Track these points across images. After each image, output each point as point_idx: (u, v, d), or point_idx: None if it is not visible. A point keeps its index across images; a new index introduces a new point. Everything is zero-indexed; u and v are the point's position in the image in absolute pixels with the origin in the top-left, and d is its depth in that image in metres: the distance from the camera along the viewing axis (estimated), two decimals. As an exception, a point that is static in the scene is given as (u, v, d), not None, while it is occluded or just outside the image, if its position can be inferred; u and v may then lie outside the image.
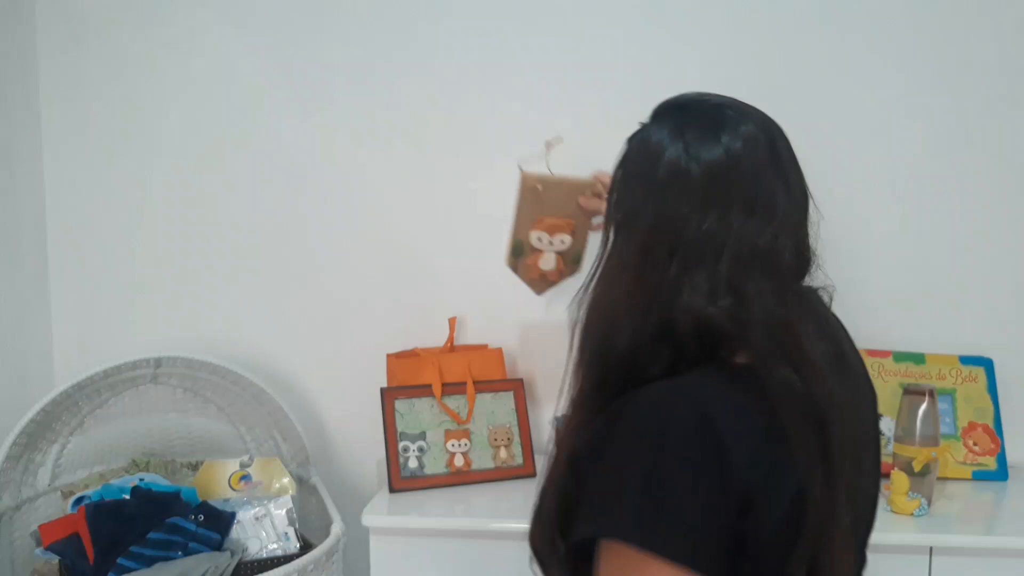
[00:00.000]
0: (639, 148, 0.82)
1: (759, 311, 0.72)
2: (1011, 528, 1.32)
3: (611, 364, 0.77)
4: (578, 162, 1.68)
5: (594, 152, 1.67)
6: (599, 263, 0.82)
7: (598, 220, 1.36)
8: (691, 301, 0.73)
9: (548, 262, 1.42)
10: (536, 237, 1.41)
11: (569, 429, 0.79)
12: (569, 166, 1.41)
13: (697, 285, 0.73)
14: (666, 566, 0.65)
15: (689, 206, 0.74)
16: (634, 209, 0.79)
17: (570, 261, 1.45)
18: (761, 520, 0.67)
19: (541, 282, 1.48)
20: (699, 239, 0.74)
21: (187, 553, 1.36)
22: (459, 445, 1.56)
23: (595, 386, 0.78)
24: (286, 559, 1.38)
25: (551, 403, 1.71)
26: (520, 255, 1.43)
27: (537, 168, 1.35)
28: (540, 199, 1.36)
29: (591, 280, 0.82)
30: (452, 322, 1.70)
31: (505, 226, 1.70)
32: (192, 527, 1.39)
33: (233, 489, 1.56)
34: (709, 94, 0.83)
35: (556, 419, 1.58)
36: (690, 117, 0.79)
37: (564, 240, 1.40)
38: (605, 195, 1.14)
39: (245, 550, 1.43)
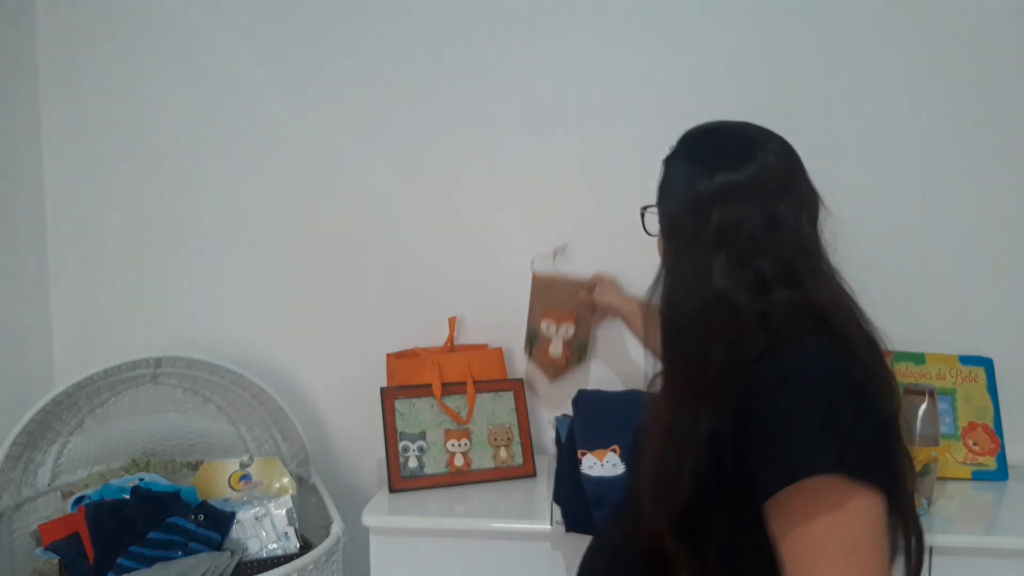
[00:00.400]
0: (688, 171, 0.94)
1: (825, 293, 0.88)
2: (1011, 528, 1.32)
3: (712, 363, 0.86)
4: (579, 159, 1.69)
5: (594, 140, 1.68)
6: (670, 280, 0.94)
7: (596, 313, 1.63)
8: (778, 295, 0.86)
9: (556, 348, 1.64)
10: (545, 326, 1.63)
11: (670, 421, 0.88)
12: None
13: (771, 280, 0.87)
14: (867, 491, 0.76)
15: (747, 215, 0.88)
16: (700, 226, 0.90)
17: (575, 349, 1.65)
18: (896, 448, 0.83)
19: (552, 367, 1.66)
20: (764, 240, 0.87)
21: (187, 553, 1.36)
22: (459, 445, 1.56)
23: (696, 380, 0.87)
24: (286, 559, 1.38)
25: (551, 403, 1.71)
26: (534, 342, 1.65)
27: (546, 268, 1.63)
28: (548, 294, 1.62)
29: (667, 294, 0.93)
30: (452, 322, 1.70)
31: (505, 227, 1.71)
32: (192, 527, 1.39)
33: (233, 489, 1.56)
34: (727, 120, 0.98)
35: (556, 419, 1.58)
36: (723, 139, 0.94)
37: (569, 330, 1.63)
38: (592, 292, 1.56)
39: (245, 550, 1.43)
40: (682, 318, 0.90)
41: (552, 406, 1.70)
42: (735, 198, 0.88)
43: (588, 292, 1.60)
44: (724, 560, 0.85)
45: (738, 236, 0.88)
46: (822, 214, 0.94)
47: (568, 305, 1.61)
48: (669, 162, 0.98)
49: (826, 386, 0.80)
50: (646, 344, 1.34)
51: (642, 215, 1.07)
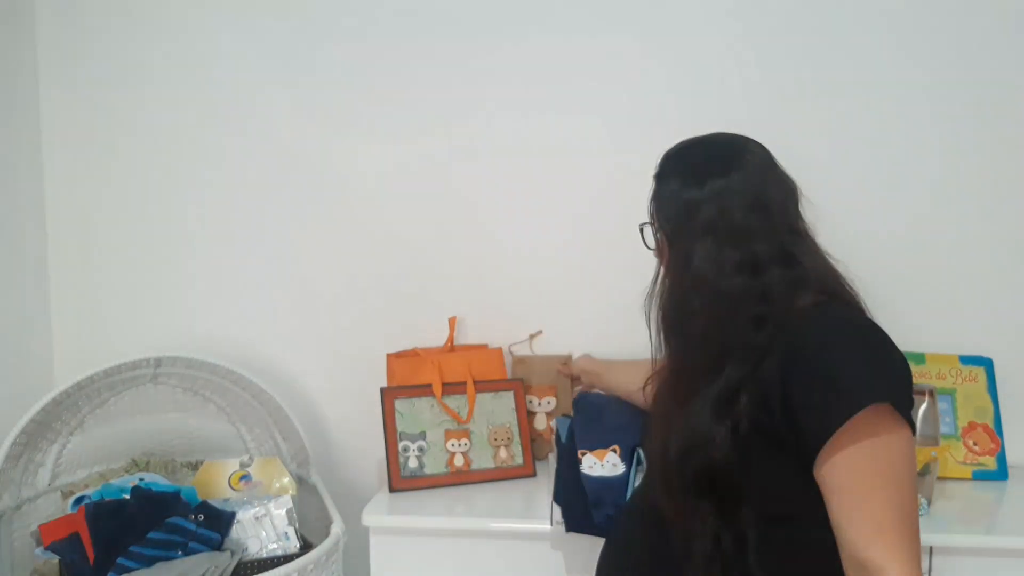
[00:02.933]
0: (680, 183, 1.02)
1: (821, 268, 0.99)
2: (1011, 528, 1.32)
3: (721, 338, 0.95)
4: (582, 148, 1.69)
5: (595, 140, 1.68)
6: (676, 274, 1.02)
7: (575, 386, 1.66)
8: (774, 273, 0.95)
9: (541, 422, 1.66)
10: (528, 400, 1.66)
11: (689, 389, 0.97)
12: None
13: (766, 261, 0.96)
14: (906, 426, 0.88)
15: (738, 206, 0.97)
16: (695, 222, 0.99)
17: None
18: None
19: (540, 443, 1.66)
20: (757, 227, 0.97)
21: (187, 553, 1.36)
22: (459, 445, 1.56)
23: (718, 355, 0.95)
24: (286, 559, 1.38)
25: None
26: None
27: (523, 351, 1.71)
28: (528, 373, 1.67)
29: (673, 287, 1.02)
30: (452, 322, 1.70)
31: (506, 227, 1.71)
32: (192, 527, 1.39)
33: (233, 489, 1.56)
34: (701, 135, 1.07)
35: (557, 419, 1.58)
36: (706, 149, 1.04)
37: (551, 401, 1.66)
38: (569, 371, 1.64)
39: (245, 550, 1.42)
40: (691, 303, 0.98)
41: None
42: (727, 196, 0.98)
43: (564, 364, 1.66)
44: (763, 507, 0.92)
45: (731, 225, 0.97)
46: (802, 200, 1.04)
47: (547, 379, 1.67)
48: (659, 178, 1.06)
49: (865, 338, 0.91)
50: (629, 396, 1.44)
51: (641, 231, 1.12)
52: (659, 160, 1.07)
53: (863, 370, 0.88)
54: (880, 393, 0.86)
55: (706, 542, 0.92)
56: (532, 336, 1.69)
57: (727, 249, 0.96)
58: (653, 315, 1.05)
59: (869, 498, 0.85)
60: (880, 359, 0.90)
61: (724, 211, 0.97)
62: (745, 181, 0.98)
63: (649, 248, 1.11)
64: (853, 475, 0.86)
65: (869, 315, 0.99)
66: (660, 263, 1.08)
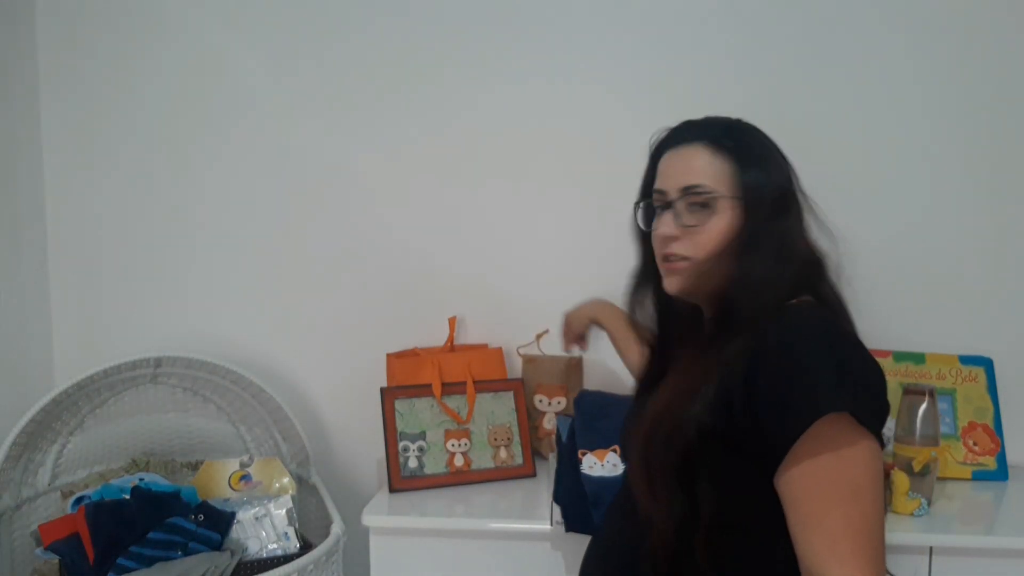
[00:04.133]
0: (772, 153, 0.99)
1: (814, 258, 0.98)
2: (1011, 528, 1.32)
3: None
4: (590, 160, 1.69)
5: (594, 140, 1.68)
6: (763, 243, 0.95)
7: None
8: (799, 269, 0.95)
9: (550, 422, 1.66)
10: (538, 400, 1.66)
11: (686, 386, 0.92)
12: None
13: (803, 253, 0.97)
14: (870, 438, 0.84)
15: (791, 195, 0.98)
16: (789, 203, 0.98)
17: None
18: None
19: (548, 442, 1.65)
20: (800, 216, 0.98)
21: (187, 553, 1.36)
22: (459, 445, 1.56)
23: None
24: (286, 559, 1.38)
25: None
26: (533, 419, 1.67)
27: (531, 350, 1.70)
28: (537, 371, 1.67)
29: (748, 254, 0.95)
30: (452, 322, 1.70)
31: (506, 227, 1.71)
32: (192, 527, 1.39)
33: (233, 489, 1.56)
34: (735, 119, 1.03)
35: (557, 419, 1.58)
36: (755, 131, 1.01)
37: (560, 402, 1.66)
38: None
39: (245, 550, 1.43)
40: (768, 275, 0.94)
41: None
42: (790, 181, 0.98)
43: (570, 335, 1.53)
44: (719, 508, 0.89)
45: (799, 208, 0.98)
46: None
47: (557, 379, 1.66)
48: (740, 150, 0.97)
49: (834, 342, 0.86)
50: (626, 358, 1.41)
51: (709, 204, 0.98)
52: (718, 130, 0.98)
53: (824, 377, 0.83)
54: (840, 402, 0.81)
55: (664, 533, 0.90)
56: (539, 336, 1.69)
57: (794, 232, 0.96)
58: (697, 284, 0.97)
59: (826, 513, 0.82)
60: (845, 366, 0.84)
61: (789, 195, 0.97)
62: (784, 167, 0.98)
63: (702, 224, 0.96)
64: (810, 488, 0.83)
65: (850, 315, 0.96)
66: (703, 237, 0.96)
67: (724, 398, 0.87)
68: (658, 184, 1.01)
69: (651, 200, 1.02)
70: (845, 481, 0.82)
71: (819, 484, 0.82)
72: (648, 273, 1.07)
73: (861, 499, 0.82)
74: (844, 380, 0.83)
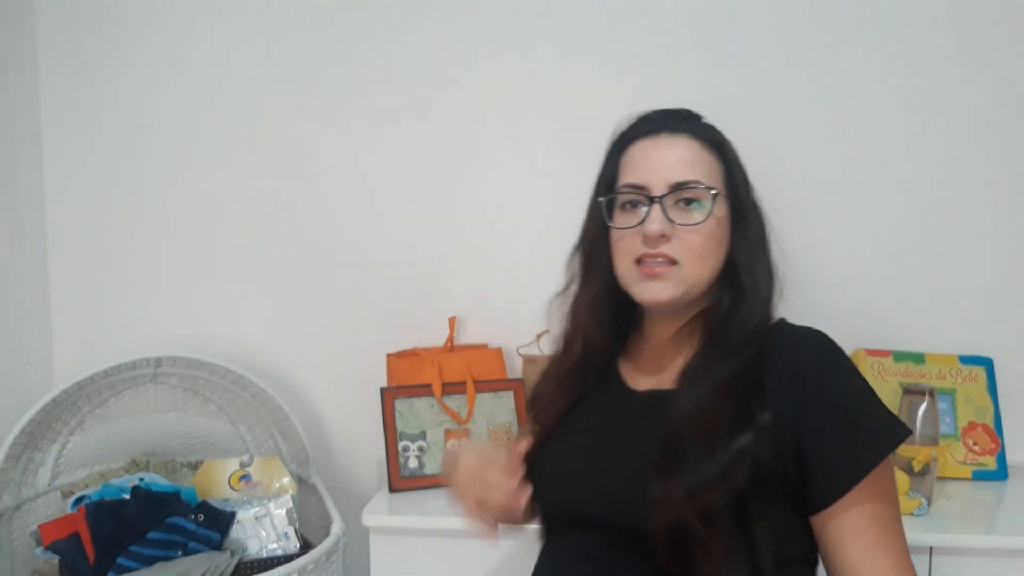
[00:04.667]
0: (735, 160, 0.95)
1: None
2: (1011, 528, 1.32)
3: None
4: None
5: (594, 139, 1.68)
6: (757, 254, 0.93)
7: None
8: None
9: None
10: None
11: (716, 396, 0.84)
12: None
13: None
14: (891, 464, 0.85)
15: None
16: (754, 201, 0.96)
17: None
18: None
19: None
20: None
21: (187, 553, 1.36)
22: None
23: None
24: (286, 559, 1.38)
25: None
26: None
27: (531, 351, 1.67)
28: (537, 373, 1.57)
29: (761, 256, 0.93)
30: (452, 322, 1.70)
31: (506, 226, 1.71)
32: (192, 527, 1.39)
33: (233, 489, 1.56)
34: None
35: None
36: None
37: None
38: None
39: (245, 550, 1.43)
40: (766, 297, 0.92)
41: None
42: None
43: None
44: (767, 545, 0.81)
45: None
46: None
47: None
48: (722, 145, 0.93)
49: (855, 368, 0.86)
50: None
51: (711, 199, 0.89)
52: (701, 123, 0.94)
53: (878, 411, 0.83)
54: (895, 437, 0.82)
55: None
56: (539, 336, 1.68)
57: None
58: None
59: (893, 534, 0.82)
60: (873, 391, 0.84)
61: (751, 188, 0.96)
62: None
63: (696, 223, 0.88)
64: (879, 514, 0.81)
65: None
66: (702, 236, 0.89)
67: (769, 430, 0.81)
68: (633, 178, 0.91)
69: (617, 195, 0.92)
70: (895, 498, 0.84)
71: (884, 509, 0.82)
72: (603, 278, 0.96)
73: (899, 510, 0.85)
74: (885, 410, 0.83)
